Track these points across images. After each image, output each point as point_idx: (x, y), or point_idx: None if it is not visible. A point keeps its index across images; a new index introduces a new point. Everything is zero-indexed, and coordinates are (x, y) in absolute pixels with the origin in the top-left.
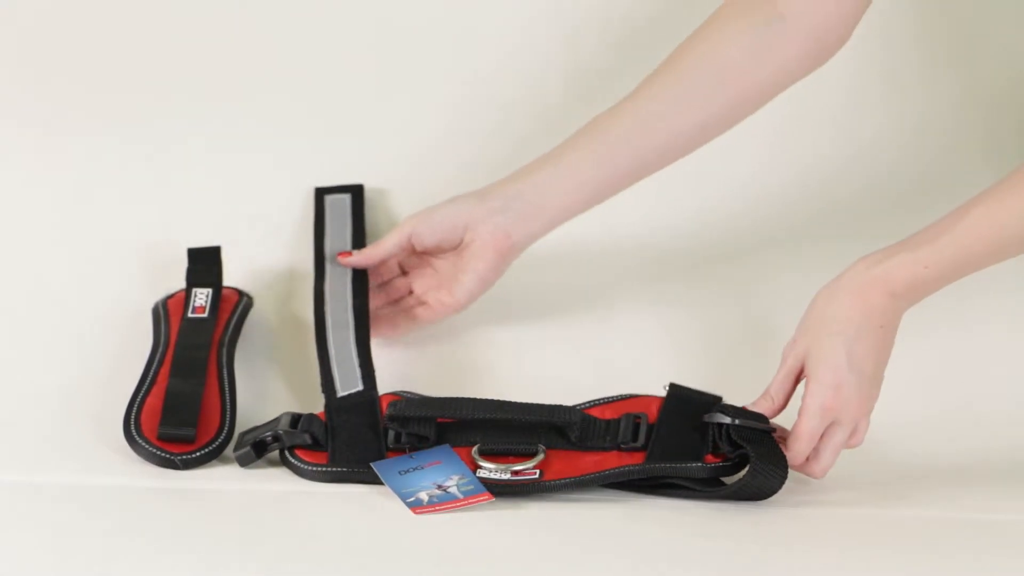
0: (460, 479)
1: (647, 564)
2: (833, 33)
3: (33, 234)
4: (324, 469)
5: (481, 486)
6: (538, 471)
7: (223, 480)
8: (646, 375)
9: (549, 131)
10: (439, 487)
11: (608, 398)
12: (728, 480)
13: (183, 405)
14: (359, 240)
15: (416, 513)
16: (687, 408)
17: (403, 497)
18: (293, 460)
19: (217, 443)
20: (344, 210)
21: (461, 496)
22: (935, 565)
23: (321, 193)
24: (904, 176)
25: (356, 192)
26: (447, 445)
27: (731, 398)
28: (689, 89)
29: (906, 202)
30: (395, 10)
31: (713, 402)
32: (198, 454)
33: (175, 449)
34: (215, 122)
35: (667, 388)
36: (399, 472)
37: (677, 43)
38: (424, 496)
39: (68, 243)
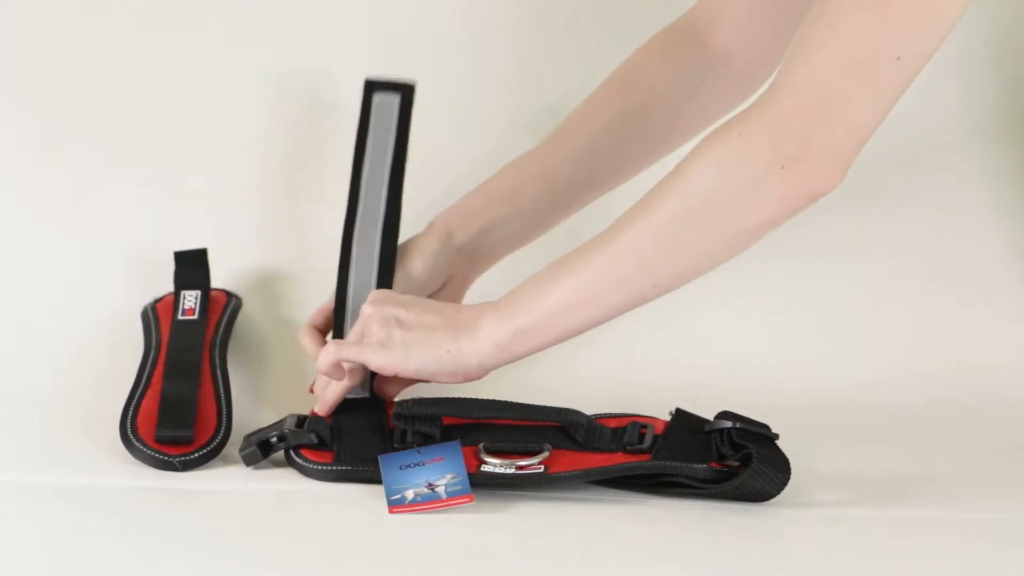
0: (452, 478)
1: (647, 564)
2: (768, 67)
3: (25, 240)
4: (330, 468)
5: (468, 487)
6: (543, 467)
7: (223, 480)
8: (653, 382)
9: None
10: (429, 485)
11: (613, 413)
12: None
13: (179, 406)
14: (401, 150)
15: (392, 512)
16: (693, 424)
17: (389, 494)
18: (298, 459)
19: (215, 443)
20: (391, 113)
21: (444, 496)
22: (935, 565)
23: (371, 88)
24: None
25: (407, 93)
26: (456, 441)
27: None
28: (619, 135)
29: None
30: (383, 11)
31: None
32: (196, 455)
33: (173, 451)
34: (198, 126)
35: (672, 413)
36: (400, 467)
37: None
38: (410, 494)
39: (57, 248)
